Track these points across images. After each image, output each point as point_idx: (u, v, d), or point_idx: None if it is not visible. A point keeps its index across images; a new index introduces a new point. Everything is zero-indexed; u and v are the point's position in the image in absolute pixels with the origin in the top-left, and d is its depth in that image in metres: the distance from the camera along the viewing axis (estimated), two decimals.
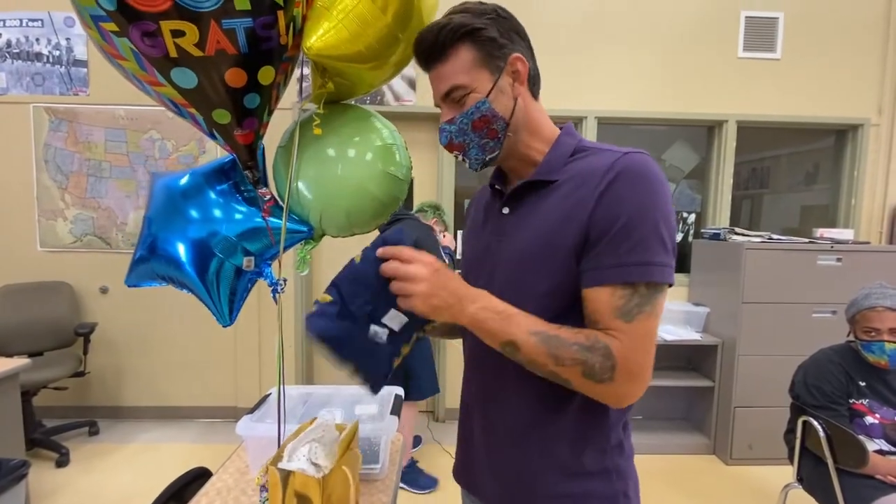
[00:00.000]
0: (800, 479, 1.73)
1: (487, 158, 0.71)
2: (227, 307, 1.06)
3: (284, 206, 0.85)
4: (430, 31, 0.67)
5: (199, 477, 1.26)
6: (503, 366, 0.68)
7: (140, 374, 3.03)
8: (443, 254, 2.29)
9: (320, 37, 0.72)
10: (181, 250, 0.97)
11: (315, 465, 0.78)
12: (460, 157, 0.73)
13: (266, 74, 0.75)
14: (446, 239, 2.40)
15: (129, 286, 1.04)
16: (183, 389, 3.04)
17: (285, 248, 0.87)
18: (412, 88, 2.88)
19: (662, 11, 2.93)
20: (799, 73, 2.96)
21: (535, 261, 0.66)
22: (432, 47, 0.67)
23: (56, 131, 2.87)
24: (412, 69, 2.86)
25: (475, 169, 0.73)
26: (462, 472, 0.84)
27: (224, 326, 1.09)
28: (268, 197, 0.85)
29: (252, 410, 1.17)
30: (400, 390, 1.32)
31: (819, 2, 2.95)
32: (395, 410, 1.20)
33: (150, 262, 0.98)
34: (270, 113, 0.82)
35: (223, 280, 1.03)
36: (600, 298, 0.61)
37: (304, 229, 0.89)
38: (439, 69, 0.68)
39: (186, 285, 1.01)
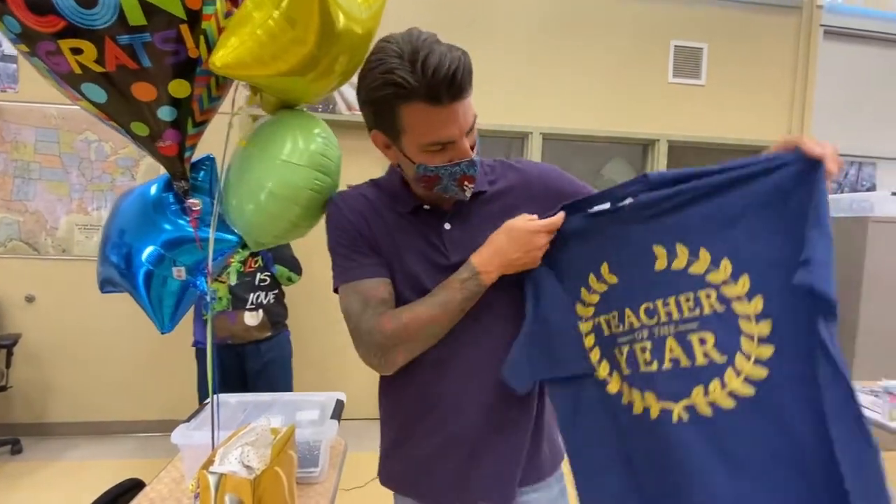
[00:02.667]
0: None
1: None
2: (166, 314, 1.07)
3: (213, 216, 0.87)
4: (454, 65, 0.63)
5: (132, 489, 1.23)
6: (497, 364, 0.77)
7: (68, 387, 2.85)
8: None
9: (226, 52, 0.70)
10: (122, 259, 1.00)
11: (247, 467, 0.81)
12: (471, 186, 0.75)
13: (179, 88, 0.76)
14: None
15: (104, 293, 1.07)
16: (116, 403, 2.89)
17: (216, 258, 0.89)
18: None
19: (603, 35, 3.15)
20: (721, 99, 3.26)
21: None
22: (462, 83, 0.65)
23: None
24: None
25: (467, 198, 0.76)
26: (411, 482, 0.85)
27: (161, 333, 1.11)
28: (195, 207, 0.88)
29: (189, 419, 1.17)
30: (342, 395, 1.36)
31: (737, 36, 3.26)
32: (336, 415, 1.24)
33: (101, 268, 1.01)
34: (199, 125, 0.83)
35: (155, 288, 1.04)
36: None
37: (233, 239, 0.92)
38: (463, 103, 0.67)
39: (129, 291, 1.03)
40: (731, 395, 0.58)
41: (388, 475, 0.89)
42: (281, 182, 0.82)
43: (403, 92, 0.64)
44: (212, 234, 0.86)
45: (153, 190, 0.99)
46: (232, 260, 0.95)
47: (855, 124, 3.48)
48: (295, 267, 2.20)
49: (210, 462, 0.82)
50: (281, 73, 0.74)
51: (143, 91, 0.73)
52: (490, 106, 2.95)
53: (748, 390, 0.57)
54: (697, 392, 0.60)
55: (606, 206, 0.71)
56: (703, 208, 0.61)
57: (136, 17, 0.66)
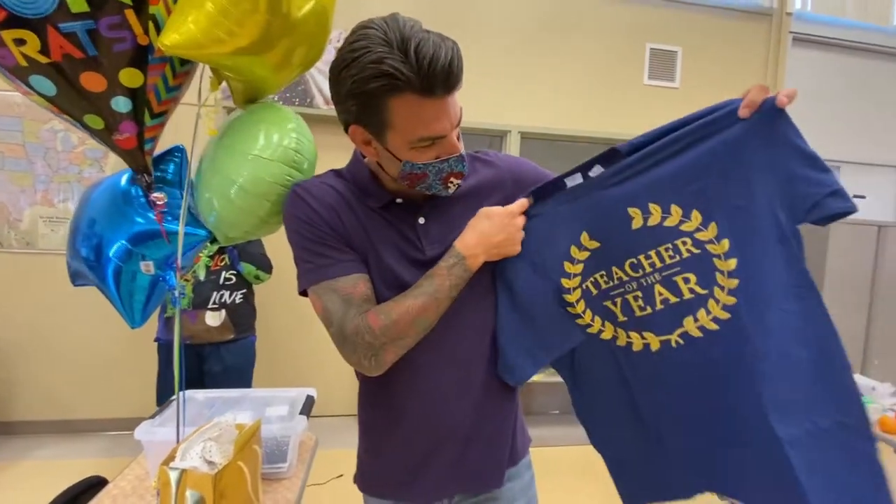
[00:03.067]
0: None
1: None
2: (136, 309, 1.07)
3: (182, 210, 0.86)
4: (449, 56, 0.61)
5: (94, 486, 1.22)
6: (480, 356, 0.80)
7: (35, 385, 2.76)
8: None
9: (176, 32, 0.67)
10: (91, 251, 0.98)
11: (209, 462, 0.81)
12: (458, 183, 0.74)
13: (131, 77, 0.74)
14: None
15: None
16: (83, 401, 2.81)
17: (185, 252, 0.88)
18: None
19: (581, 36, 3.19)
20: (694, 101, 3.31)
21: None
22: (455, 76, 0.63)
23: None
24: None
25: (449, 195, 0.75)
26: (403, 484, 0.82)
27: (132, 328, 1.10)
28: (159, 202, 0.86)
29: (153, 416, 1.16)
30: (312, 391, 1.36)
31: (710, 40, 3.35)
32: (305, 411, 1.24)
33: (71, 261, 1.00)
34: (158, 116, 0.81)
35: (125, 282, 1.03)
36: None
37: (203, 233, 0.91)
38: (453, 95, 0.65)
39: (97, 286, 1.02)
40: (714, 320, 0.69)
41: (373, 482, 0.86)
42: (251, 177, 0.80)
43: (396, 84, 0.60)
44: (181, 228, 0.85)
45: (123, 181, 0.97)
46: (201, 255, 0.94)
47: (820, 129, 3.61)
48: (264, 265, 2.13)
49: (171, 458, 0.82)
50: (239, 49, 0.70)
51: (92, 82, 0.71)
52: (469, 104, 2.89)
53: (725, 315, 0.68)
54: (688, 321, 0.71)
55: (579, 179, 0.75)
56: (669, 169, 0.68)
57: (77, 3, 0.63)
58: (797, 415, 0.64)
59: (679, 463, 0.76)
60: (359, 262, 0.74)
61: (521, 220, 0.76)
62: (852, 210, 0.62)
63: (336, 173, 0.81)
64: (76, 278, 1.05)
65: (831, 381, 0.64)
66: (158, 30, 0.71)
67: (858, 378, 2.07)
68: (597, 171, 0.74)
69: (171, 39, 0.66)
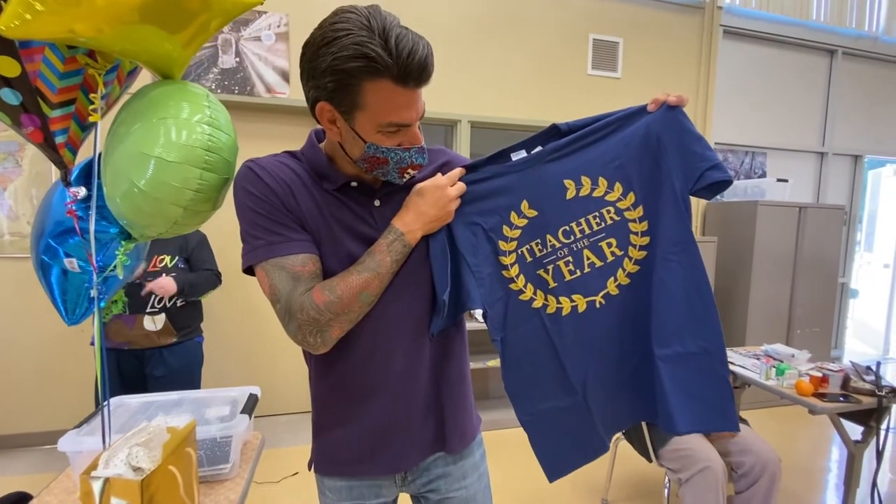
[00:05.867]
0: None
1: None
2: (69, 307, 1.07)
3: (92, 205, 0.80)
4: (425, 52, 0.65)
5: (16, 502, 1.14)
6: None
7: None
8: None
9: (11, 15, 0.59)
10: (33, 247, 1.00)
11: (136, 468, 0.77)
12: (413, 174, 0.77)
13: (6, 66, 0.69)
14: None
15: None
16: (11, 415, 2.61)
17: (103, 251, 0.83)
18: (285, 81, 2.81)
19: (528, 27, 3.23)
20: (634, 91, 3.48)
21: None
22: (430, 71, 0.67)
23: None
24: (285, 60, 2.78)
25: (402, 184, 0.78)
26: (364, 459, 0.82)
27: (67, 325, 1.11)
28: (77, 196, 0.81)
29: (79, 425, 1.09)
30: (256, 389, 1.33)
31: (649, 32, 3.48)
32: (248, 409, 1.21)
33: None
34: (61, 106, 0.76)
35: (59, 279, 1.03)
36: None
37: (112, 230, 0.86)
38: (420, 90, 0.69)
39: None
40: (628, 275, 0.83)
41: (331, 461, 0.85)
42: (153, 182, 0.72)
43: (375, 67, 0.62)
44: (91, 224, 0.80)
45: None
46: (118, 252, 0.88)
47: (750, 117, 3.86)
48: (214, 284, 2.08)
49: (94, 466, 0.78)
50: (83, 33, 0.63)
51: None
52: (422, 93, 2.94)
53: (636, 268, 0.82)
54: (610, 281, 0.83)
55: (523, 154, 0.84)
56: (598, 148, 0.81)
57: None
58: (671, 340, 0.80)
59: (599, 422, 0.85)
60: (310, 243, 0.74)
61: (453, 190, 0.78)
62: (729, 179, 0.77)
63: (290, 154, 0.80)
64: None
65: (701, 316, 0.80)
66: None
67: (781, 347, 2.25)
68: (538, 148, 0.83)
69: (5, 22, 0.60)
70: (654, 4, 3.47)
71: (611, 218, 0.81)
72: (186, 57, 0.80)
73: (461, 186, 0.80)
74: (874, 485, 1.82)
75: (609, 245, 0.82)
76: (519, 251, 0.83)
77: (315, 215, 0.75)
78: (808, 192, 4.11)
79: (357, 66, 0.63)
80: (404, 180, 0.77)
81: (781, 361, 2.06)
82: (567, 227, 0.82)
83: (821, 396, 1.78)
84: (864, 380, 1.85)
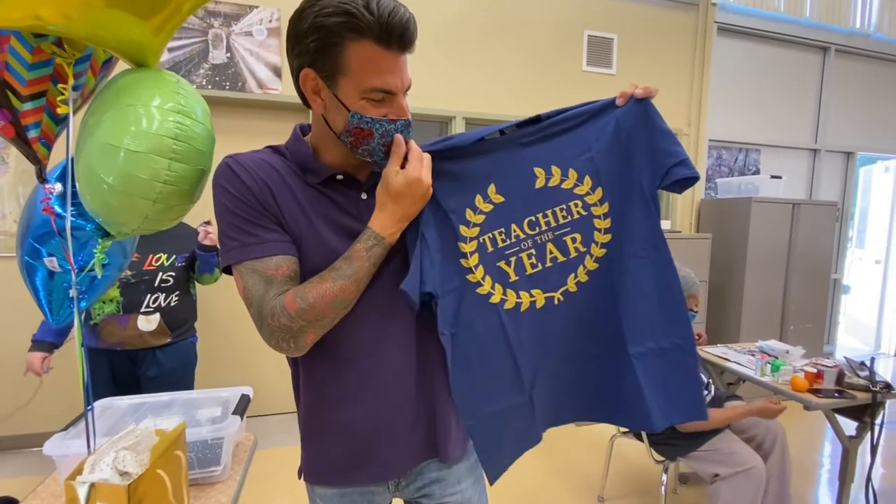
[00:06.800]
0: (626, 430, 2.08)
1: None
2: (55, 307, 1.05)
3: (67, 202, 0.77)
4: (407, 15, 0.65)
5: None
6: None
7: None
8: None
9: None
10: (18, 247, 0.99)
11: (123, 473, 0.75)
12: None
13: None
14: None
15: None
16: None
17: (82, 249, 0.81)
18: (277, 76, 2.77)
19: (523, 23, 3.21)
20: None
21: None
22: (412, 35, 0.66)
23: None
24: (277, 56, 2.75)
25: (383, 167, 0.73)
26: (354, 468, 0.80)
27: (52, 326, 1.08)
28: (52, 192, 0.78)
29: (66, 428, 1.07)
30: (247, 389, 1.30)
31: (643, 28, 3.47)
32: (239, 410, 1.19)
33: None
34: (32, 98, 0.72)
35: (44, 280, 1.01)
36: None
37: (87, 227, 0.83)
38: (405, 59, 0.68)
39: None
40: (588, 273, 0.80)
41: (319, 469, 0.82)
42: (120, 175, 0.69)
43: (356, 25, 0.61)
44: (67, 221, 0.77)
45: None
46: (95, 250, 0.85)
47: (743, 114, 3.87)
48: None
49: (79, 471, 0.75)
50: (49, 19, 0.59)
51: None
52: (415, 90, 2.89)
53: (595, 266, 0.80)
54: (570, 278, 0.80)
55: (496, 135, 0.79)
56: (570, 138, 0.78)
57: None
58: (644, 337, 0.79)
59: (539, 417, 0.81)
60: (286, 243, 0.71)
61: (424, 180, 0.70)
62: (695, 176, 0.75)
63: (273, 149, 0.77)
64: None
65: (672, 312, 0.79)
66: None
67: (775, 343, 2.26)
68: (512, 130, 0.79)
69: None
70: (649, 1, 3.47)
71: (577, 212, 0.78)
72: (159, 43, 0.76)
73: (428, 166, 0.71)
74: (868, 479, 1.83)
75: (573, 240, 0.79)
76: (481, 239, 0.77)
77: (295, 212, 0.72)
78: (802, 189, 4.13)
79: (338, 21, 0.62)
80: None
81: (776, 357, 2.06)
82: (533, 218, 0.77)
83: (815, 392, 1.79)
84: (858, 375, 1.86)
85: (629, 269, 0.78)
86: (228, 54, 2.69)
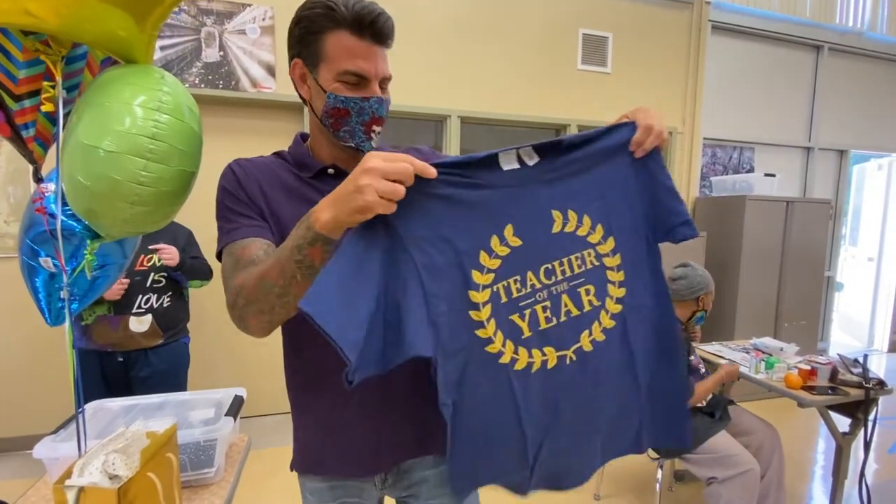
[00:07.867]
0: None
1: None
2: (54, 308, 1.07)
3: (58, 201, 0.76)
4: (379, 11, 0.72)
5: None
6: None
7: None
8: None
9: None
10: (20, 249, 1.01)
11: (112, 476, 0.74)
12: (378, 131, 0.77)
13: None
14: None
15: None
16: None
17: (72, 250, 0.80)
18: (271, 75, 2.75)
19: (518, 22, 3.20)
20: (624, 86, 3.48)
21: None
22: (384, 26, 0.72)
23: None
24: (270, 54, 2.73)
25: (372, 148, 0.76)
26: (330, 456, 0.81)
27: (49, 326, 1.11)
28: (47, 192, 0.77)
29: (56, 430, 1.05)
30: (241, 390, 1.29)
31: (638, 27, 3.48)
32: (232, 412, 1.18)
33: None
34: (25, 97, 0.72)
35: (44, 281, 1.03)
36: None
37: (76, 227, 0.82)
38: (382, 51, 0.74)
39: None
40: (603, 331, 0.73)
41: (305, 459, 0.85)
42: (96, 177, 0.66)
43: (334, 16, 0.70)
44: (58, 223, 0.76)
45: None
46: (86, 251, 0.84)
47: (737, 112, 3.88)
48: (207, 274, 2.06)
49: (67, 475, 0.74)
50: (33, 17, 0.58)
51: None
52: (411, 90, 2.92)
53: (612, 323, 0.73)
54: (584, 335, 0.72)
55: (515, 164, 0.67)
56: (586, 181, 0.71)
57: None
58: (645, 381, 0.77)
59: (534, 482, 0.73)
60: (261, 228, 0.75)
61: (387, 168, 0.57)
62: (695, 236, 0.74)
63: (276, 154, 0.85)
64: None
65: (670, 358, 0.77)
66: None
67: (769, 340, 2.27)
68: (533, 160, 0.67)
69: None
70: (644, 0, 3.47)
71: (591, 262, 0.71)
72: (147, 38, 0.74)
73: (407, 171, 0.57)
74: (862, 475, 1.84)
75: (587, 292, 0.71)
76: (494, 287, 0.66)
77: (282, 200, 0.77)
78: (795, 187, 4.15)
79: (319, 12, 0.71)
80: (373, 143, 0.77)
81: (770, 355, 2.07)
82: (549, 266, 0.68)
83: (809, 389, 1.79)
84: (851, 372, 1.87)
85: (637, 323, 0.74)
86: (221, 53, 2.67)
